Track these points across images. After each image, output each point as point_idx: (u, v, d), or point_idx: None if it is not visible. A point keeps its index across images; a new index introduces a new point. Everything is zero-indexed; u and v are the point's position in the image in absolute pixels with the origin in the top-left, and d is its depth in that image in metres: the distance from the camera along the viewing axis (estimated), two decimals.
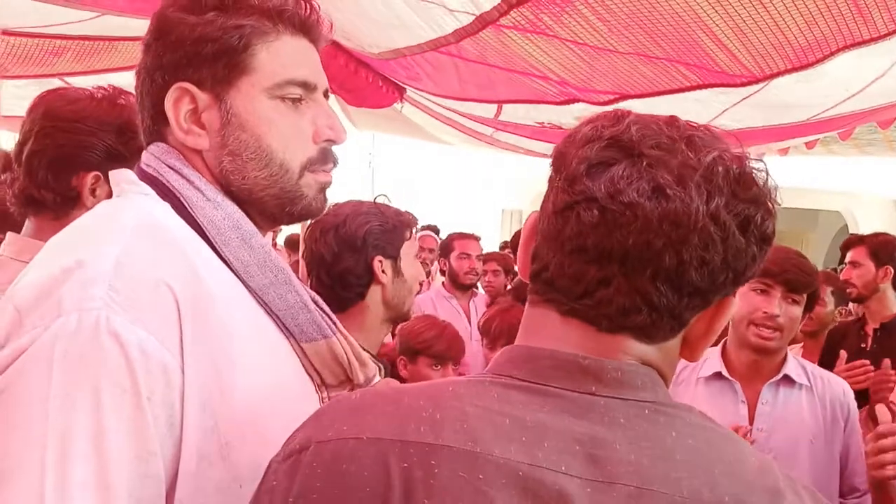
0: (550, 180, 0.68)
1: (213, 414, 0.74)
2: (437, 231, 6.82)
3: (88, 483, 0.66)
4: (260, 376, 0.80)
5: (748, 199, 0.63)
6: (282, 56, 0.85)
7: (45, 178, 1.20)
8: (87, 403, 0.67)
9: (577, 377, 0.64)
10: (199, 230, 0.83)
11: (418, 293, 1.70)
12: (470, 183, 9.80)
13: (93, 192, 1.22)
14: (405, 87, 3.19)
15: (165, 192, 0.84)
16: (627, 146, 0.63)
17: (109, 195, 1.18)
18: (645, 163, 0.62)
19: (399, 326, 2.15)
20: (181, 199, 0.83)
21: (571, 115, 2.79)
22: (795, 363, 1.96)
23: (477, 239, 3.50)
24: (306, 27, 0.88)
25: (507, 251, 7.21)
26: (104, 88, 1.27)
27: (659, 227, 0.61)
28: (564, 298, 0.66)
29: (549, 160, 0.69)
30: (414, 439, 0.61)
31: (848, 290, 2.80)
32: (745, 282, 0.67)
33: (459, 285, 3.29)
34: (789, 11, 1.73)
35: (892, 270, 2.72)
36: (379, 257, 1.57)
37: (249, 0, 0.84)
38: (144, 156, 0.88)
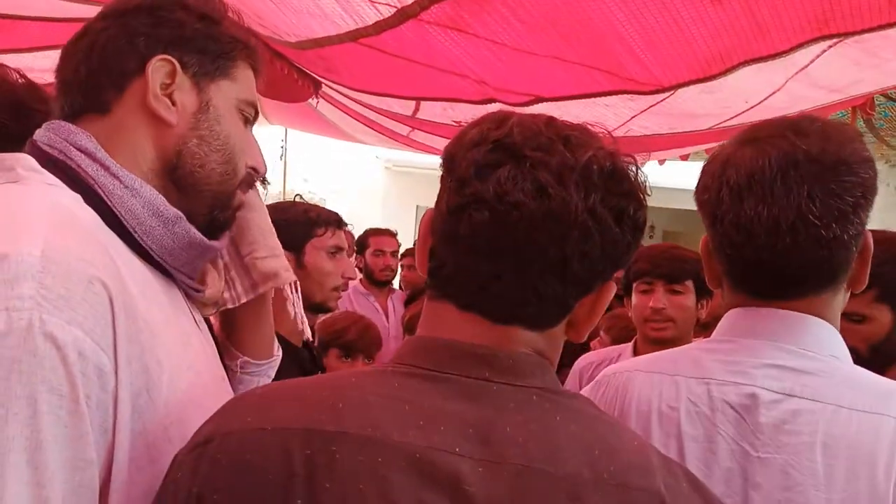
0: (442, 180, 0.72)
1: (141, 417, 0.71)
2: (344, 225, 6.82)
3: (23, 498, 0.62)
4: (181, 374, 0.78)
5: (621, 192, 0.69)
6: (248, 80, 0.93)
7: None
8: (23, 413, 0.62)
9: (473, 365, 0.68)
10: (110, 219, 0.78)
11: (339, 289, 1.73)
12: (385, 178, 9.77)
13: None
14: (321, 81, 3.13)
15: (75, 180, 0.78)
16: (511, 148, 0.67)
17: None
18: (528, 164, 0.66)
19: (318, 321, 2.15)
20: (97, 188, 0.78)
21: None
22: None
23: (392, 235, 3.46)
24: (258, 66, 0.96)
25: None
26: None
27: (543, 224, 0.66)
28: (461, 293, 0.71)
29: (442, 161, 0.73)
30: (316, 427, 0.63)
31: None
32: (622, 267, 0.73)
33: (375, 282, 3.26)
34: (696, 25, 1.82)
35: None
36: None
37: (242, 27, 0.93)
38: (44, 134, 0.81)
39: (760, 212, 0.85)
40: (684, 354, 0.97)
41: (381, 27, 2.04)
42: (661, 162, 5.62)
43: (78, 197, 0.77)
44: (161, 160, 0.84)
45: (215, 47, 0.87)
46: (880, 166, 7.01)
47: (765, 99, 2.51)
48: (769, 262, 0.87)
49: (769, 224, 0.84)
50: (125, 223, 0.78)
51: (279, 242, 1.11)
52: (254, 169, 0.95)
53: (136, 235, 0.79)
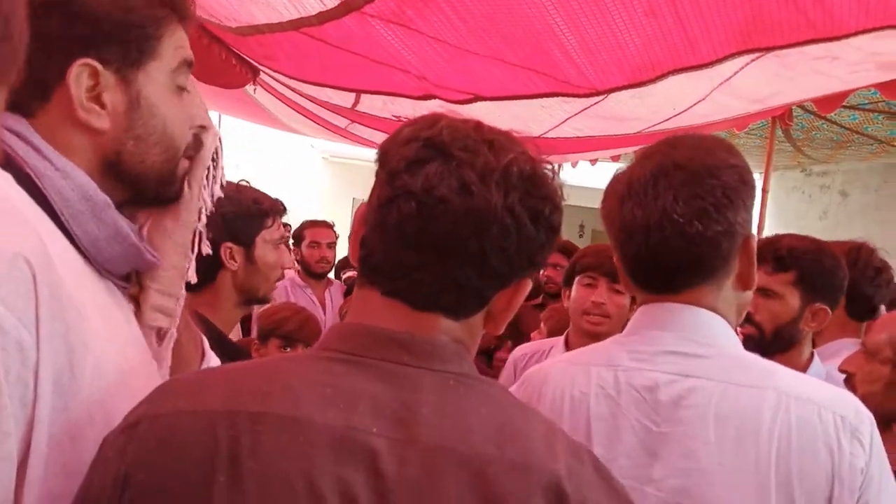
0: (376, 174, 0.76)
1: (63, 395, 0.71)
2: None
3: None
4: (107, 356, 0.78)
5: (539, 195, 0.74)
6: (178, 42, 0.88)
7: None
8: None
9: (393, 350, 0.72)
10: (42, 202, 0.77)
11: (279, 279, 1.70)
12: (322, 169, 9.68)
13: None
14: (260, 69, 3.10)
15: (6, 161, 0.76)
16: (440, 147, 0.72)
17: None
18: (454, 163, 0.71)
19: (257, 311, 2.11)
20: (27, 169, 0.77)
21: (427, 111, 2.86)
22: None
23: (329, 227, 3.43)
24: (188, 15, 0.91)
25: None
26: None
27: (465, 219, 0.70)
28: (386, 280, 0.74)
29: (377, 156, 0.77)
30: (241, 409, 0.66)
31: None
32: (538, 266, 0.79)
33: (312, 274, 3.22)
34: (630, 34, 1.91)
35: None
36: (228, 244, 1.57)
37: None
38: None
39: (636, 213, 0.97)
40: (599, 348, 1.08)
41: (324, 18, 2.04)
42: (594, 162, 5.79)
43: (9, 177, 0.75)
44: (101, 162, 0.83)
45: (137, 33, 0.83)
46: (796, 174, 7.42)
47: (691, 106, 2.63)
48: (646, 257, 0.98)
49: (642, 223, 0.96)
50: (54, 205, 0.78)
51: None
52: (201, 127, 0.93)
53: (63, 219, 0.78)
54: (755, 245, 1.00)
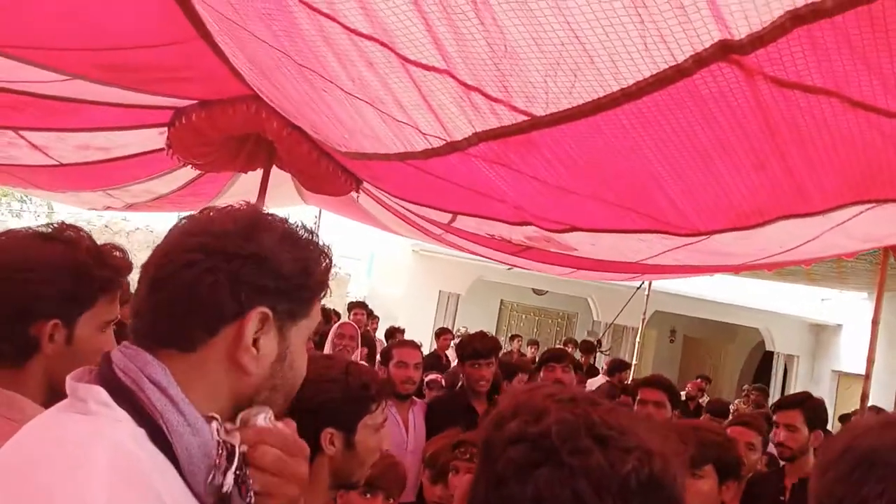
0: (481, 463, 0.74)
1: None
2: (365, 306, 7.02)
3: None
4: None
5: (659, 499, 0.69)
6: (319, 305, 0.95)
7: (1, 331, 1.14)
8: None
9: None
10: (169, 451, 0.80)
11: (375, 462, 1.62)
12: (411, 261, 9.86)
13: (51, 337, 1.15)
14: (363, 180, 3.22)
15: (142, 414, 0.80)
16: (549, 450, 0.68)
17: (67, 339, 1.15)
18: (566, 469, 0.67)
19: None
20: (162, 423, 0.80)
21: (522, 234, 2.88)
22: None
23: (416, 347, 3.42)
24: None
25: (445, 337, 7.32)
26: (47, 227, 1.22)
27: None
28: None
29: (479, 446, 0.75)
30: None
31: (780, 451, 2.86)
32: None
33: (397, 394, 3.22)
34: (737, 185, 1.86)
35: (822, 434, 2.81)
36: (330, 429, 1.47)
37: (329, 261, 0.94)
38: (119, 358, 0.84)
39: None
40: None
41: (429, 154, 2.12)
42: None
43: (142, 433, 0.79)
44: (233, 403, 0.87)
45: (308, 294, 0.89)
46: None
47: (800, 245, 2.53)
48: None
49: None
50: (178, 458, 0.80)
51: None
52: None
53: (184, 473, 0.80)
54: None
